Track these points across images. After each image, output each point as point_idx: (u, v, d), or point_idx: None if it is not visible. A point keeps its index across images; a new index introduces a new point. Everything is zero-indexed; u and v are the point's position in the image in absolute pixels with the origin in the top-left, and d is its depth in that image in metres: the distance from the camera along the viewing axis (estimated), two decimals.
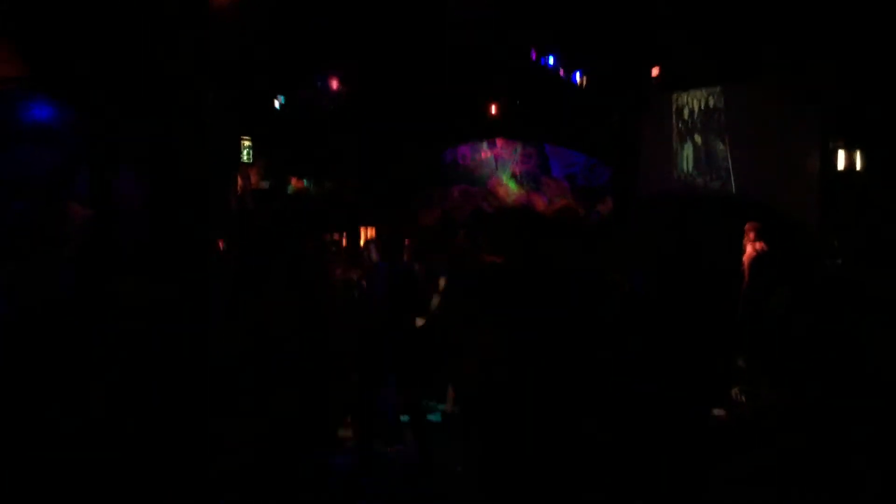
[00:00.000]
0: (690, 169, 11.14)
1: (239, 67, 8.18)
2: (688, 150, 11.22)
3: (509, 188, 14.29)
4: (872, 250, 6.54)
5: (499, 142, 14.34)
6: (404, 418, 5.77)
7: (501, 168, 14.36)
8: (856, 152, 8.04)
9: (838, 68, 8.20)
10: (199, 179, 3.86)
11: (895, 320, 2.93)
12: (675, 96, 11.33)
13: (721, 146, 10.58)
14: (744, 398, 4.07)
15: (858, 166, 8.05)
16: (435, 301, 6.69)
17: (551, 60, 11.27)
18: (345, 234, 11.52)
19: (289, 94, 11.26)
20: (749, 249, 7.32)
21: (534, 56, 11.34)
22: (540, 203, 14.07)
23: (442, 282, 6.82)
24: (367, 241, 9.13)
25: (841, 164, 8.16)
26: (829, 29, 7.98)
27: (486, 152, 14.43)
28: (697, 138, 11.07)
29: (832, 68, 8.30)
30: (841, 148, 8.24)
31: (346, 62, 11.19)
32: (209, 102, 4.16)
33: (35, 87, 6.00)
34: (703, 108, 10.90)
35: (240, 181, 11.25)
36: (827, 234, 7.98)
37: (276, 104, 11.09)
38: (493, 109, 13.11)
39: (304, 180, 12.84)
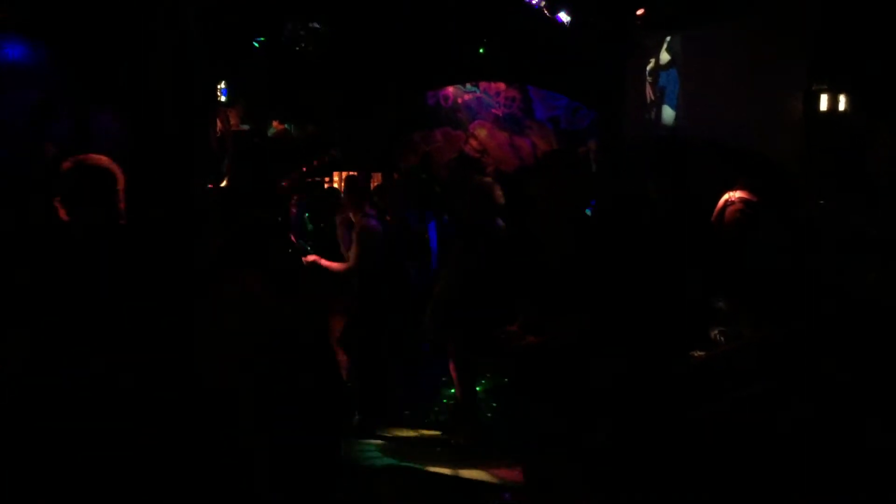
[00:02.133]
0: (668, 111, 11.15)
1: (217, 4, 8.01)
2: (665, 93, 11.21)
3: (492, 130, 14.23)
4: (854, 190, 6.60)
5: (482, 84, 14.22)
6: None
7: (484, 110, 14.26)
8: (839, 95, 8.04)
9: (822, 8, 8.16)
10: (182, 119, 3.81)
11: (877, 258, 2.99)
12: (655, 38, 11.26)
13: (691, 89, 10.57)
14: (723, 339, 4.11)
15: (842, 107, 8.06)
16: None
17: None
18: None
19: (269, 33, 11.05)
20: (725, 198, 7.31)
21: None
22: (525, 146, 14.04)
23: None
24: None
25: (824, 106, 8.18)
26: None
27: (468, 94, 14.31)
28: (667, 81, 11.06)
29: (816, 8, 8.27)
30: (824, 92, 8.24)
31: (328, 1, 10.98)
32: (191, 40, 4.09)
33: (9, 26, 5.85)
34: (680, 49, 10.85)
35: (219, 123, 11.12)
36: (810, 176, 8.03)
37: (256, 44, 10.89)
38: (477, 50, 12.97)
39: (286, 123, 12.71)
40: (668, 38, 11.00)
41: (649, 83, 11.54)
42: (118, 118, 4.82)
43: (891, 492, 2.45)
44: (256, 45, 10.94)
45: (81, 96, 5.48)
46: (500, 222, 5.93)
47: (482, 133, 14.21)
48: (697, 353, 3.85)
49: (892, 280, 2.89)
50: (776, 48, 8.95)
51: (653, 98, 11.50)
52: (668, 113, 11.14)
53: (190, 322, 3.35)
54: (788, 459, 2.60)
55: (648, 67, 11.51)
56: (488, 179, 6.14)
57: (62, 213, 3.09)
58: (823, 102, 8.27)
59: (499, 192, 5.83)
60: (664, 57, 11.15)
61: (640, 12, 10.70)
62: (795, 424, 2.63)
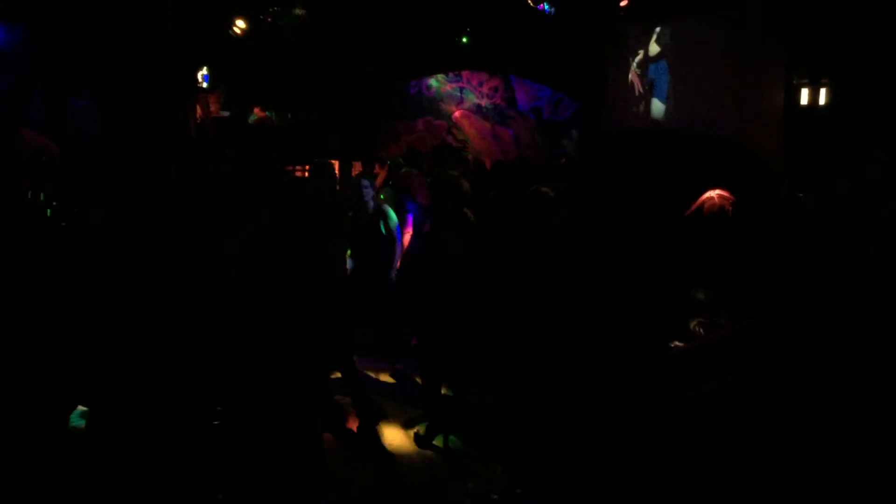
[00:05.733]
0: (658, 104, 11.13)
1: None
2: (654, 85, 11.18)
3: (474, 120, 14.20)
4: (833, 182, 6.65)
5: (465, 74, 14.17)
6: None
7: (467, 100, 14.22)
8: (819, 89, 8.09)
9: (801, 4, 8.20)
10: (157, 102, 3.75)
11: (854, 248, 3.00)
12: (637, 30, 11.24)
13: (679, 81, 10.56)
14: (702, 330, 4.12)
15: (822, 101, 8.11)
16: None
17: None
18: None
19: (250, 18, 10.93)
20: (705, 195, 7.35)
21: None
22: (506, 136, 14.02)
23: None
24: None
25: (804, 100, 8.22)
26: None
27: (451, 84, 14.26)
28: (656, 73, 11.04)
29: (794, 2, 8.30)
30: (804, 86, 8.28)
31: None
32: (166, 24, 4.02)
33: None
34: (670, 41, 10.83)
35: (199, 109, 11.01)
36: (790, 169, 8.09)
37: (237, 29, 10.78)
38: (460, 40, 12.92)
39: (267, 111, 12.63)
40: (658, 30, 10.95)
41: (638, 75, 11.50)
42: (93, 102, 4.74)
43: (863, 476, 2.47)
44: (238, 31, 10.82)
45: (56, 80, 5.39)
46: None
47: (464, 123, 14.18)
48: (677, 345, 3.86)
49: (866, 268, 2.91)
50: (756, 42, 8.98)
51: (641, 91, 11.45)
52: (657, 106, 11.10)
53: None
54: (764, 447, 2.62)
55: (637, 59, 11.46)
56: (454, 173, 6.01)
57: None
58: (804, 96, 8.31)
59: (466, 186, 5.72)
60: (654, 48, 11.12)
61: (623, 3, 10.69)
62: (771, 412, 2.65)
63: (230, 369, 3.96)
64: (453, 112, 14.21)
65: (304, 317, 4.35)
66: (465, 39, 12.97)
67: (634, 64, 11.52)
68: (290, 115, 12.87)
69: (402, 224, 6.95)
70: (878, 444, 2.42)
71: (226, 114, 11.79)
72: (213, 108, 11.49)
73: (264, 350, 4.04)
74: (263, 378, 4.07)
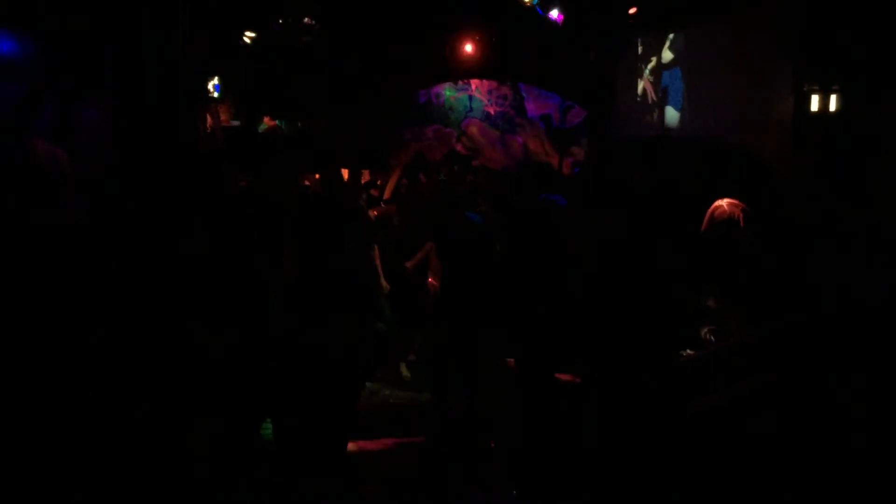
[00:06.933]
0: (672, 112, 11.07)
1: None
2: (668, 93, 11.13)
3: (483, 128, 14.21)
4: (843, 190, 6.62)
5: (473, 82, 14.19)
6: None
7: (476, 108, 14.23)
8: (829, 95, 8.04)
9: (810, 7, 8.17)
10: (168, 111, 3.76)
11: (863, 257, 2.98)
12: (649, 36, 11.21)
13: (693, 89, 10.52)
14: (713, 338, 4.10)
15: (833, 108, 8.06)
16: None
17: None
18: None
19: (260, 28, 10.99)
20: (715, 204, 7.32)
21: None
22: (515, 144, 14.02)
23: None
24: None
25: (815, 107, 8.18)
26: None
27: (460, 92, 14.28)
28: (670, 80, 10.99)
29: (803, 7, 8.27)
30: (815, 93, 8.24)
31: None
32: (178, 33, 4.04)
33: None
34: (684, 47, 10.79)
35: (209, 119, 11.06)
36: (800, 176, 8.05)
37: (247, 39, 10.83)
38: (469, 48, 12.94)
39: (277, 120, 12.68)
40: (671, 36, 10.88)
41: (650, 83, 11.42)
42: (102, 111, 4.77)
43: (875, 490, 2.45)
44: (248, 40, 10.87)
45: (65, 89, 5.42)
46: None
47: (473, 131, 14.19)
48: (688, 353, 3.84)
49: (876, 276, 2.89)
50: (765, 48, 8.95)
51: (654, 98, 11.36)
52: (671, 114, 10.99)
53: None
54: (775, 457, 2.60)
55: (650, 66, 11.39)
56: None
57: None
58: (814, 103, 8.27)
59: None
60: (667, 55, 11.04)
61: (632, 11, 10.68)
62: (783, 421, 2.63)
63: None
64: (462, 120, 14.23)
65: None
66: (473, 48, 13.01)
67: (647, 71, 11.47)
68: (299, 124, 12.92)
69: None
70: (879, 450, 2.41)
71: (236, 123, 11.84)
72: (223, 117, 11.55)
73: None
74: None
